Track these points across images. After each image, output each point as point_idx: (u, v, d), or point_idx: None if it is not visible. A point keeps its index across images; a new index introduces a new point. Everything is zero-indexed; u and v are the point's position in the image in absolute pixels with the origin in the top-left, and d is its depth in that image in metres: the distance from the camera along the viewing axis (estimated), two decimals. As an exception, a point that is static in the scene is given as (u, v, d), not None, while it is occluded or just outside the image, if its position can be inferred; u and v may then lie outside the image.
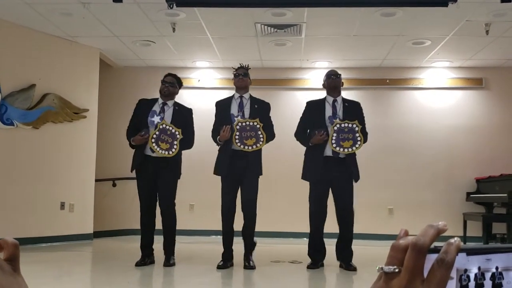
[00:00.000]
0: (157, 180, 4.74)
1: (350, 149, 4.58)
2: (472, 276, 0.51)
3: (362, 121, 4.71)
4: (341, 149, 4.57)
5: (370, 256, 5.66)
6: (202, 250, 6.25)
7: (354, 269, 4.64)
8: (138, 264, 4.73)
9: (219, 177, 4.80)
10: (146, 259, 4.80)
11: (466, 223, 7.06)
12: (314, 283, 4.38)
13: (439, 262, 0.50)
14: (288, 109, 7.50)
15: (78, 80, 7.08)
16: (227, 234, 4.75)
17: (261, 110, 4.79)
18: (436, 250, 0.50)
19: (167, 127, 4.67)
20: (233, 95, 4.90)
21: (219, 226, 4.80)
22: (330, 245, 4.88)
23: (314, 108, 4.84)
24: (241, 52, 7.33)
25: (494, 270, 0.51)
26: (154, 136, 4.63)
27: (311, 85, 7.92)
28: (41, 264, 4.82)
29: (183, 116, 4.87)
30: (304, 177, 4.83)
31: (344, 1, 5.39)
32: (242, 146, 4.62)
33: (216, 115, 4.90)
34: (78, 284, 4.17)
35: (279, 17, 5.95)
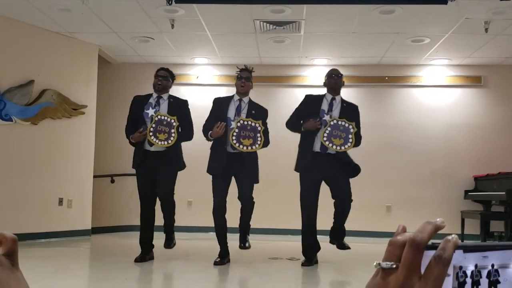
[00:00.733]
0: (157, 174, 4.72)
1: (338, 147, 4.55)
2: (468, 273, 0.51)
3: (357, 125, 4.69)
4: (330, 144, 4.54)
5: (368, 253, 5.67)
6: (200, 247, 6.26)
7: (348, 247, 4.73)
8: (138, 260, 4.72)
9: None
10: (146, 255, 4.79)
11: (464, 221, 7.06)
12: (310, 280, 4.39)
13: (437, 258, 0.50)
14: (287, 106, 7.46)
15: (77, 76, 7.06)
16: (220, 231, 4.71)
17: (258, 116, 4.69)
18: (434, 246, 0.51)
19: (162, 117, 4.66)
20: (233, 96, 4.82)
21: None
22: (324, 242, 4.88)
23: (311, 102, 4.82)
24: (240, 49, 7.32)
25: (490, 267, 0.51)
26: (151, 129, 4.62)
27: (309, 82, 7.90)
28: (39, 260, 4.83)
29: (179, 108, 4.83)
30: (295, 168, 4.81)
31: (343, -2, 5.40)
32: (237, 145, 4.53)
33: (212, 112, 4.81)
34: (76, 279, 4.18)
35: (278, 14, 5.94)
